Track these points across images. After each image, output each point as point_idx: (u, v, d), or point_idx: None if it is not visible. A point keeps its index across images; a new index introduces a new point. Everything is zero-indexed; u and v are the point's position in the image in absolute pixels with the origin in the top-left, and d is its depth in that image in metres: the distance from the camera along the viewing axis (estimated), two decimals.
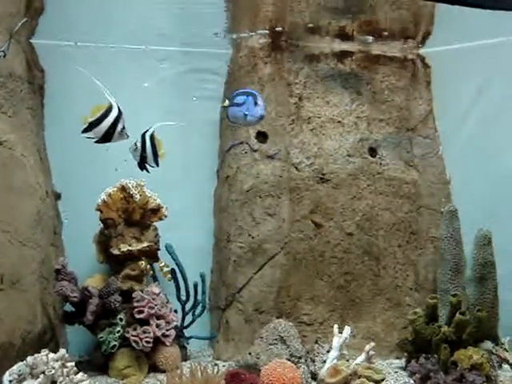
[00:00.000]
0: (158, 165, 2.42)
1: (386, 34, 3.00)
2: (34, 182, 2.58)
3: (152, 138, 2.39)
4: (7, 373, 1.99)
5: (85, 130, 2.21)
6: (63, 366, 2.03)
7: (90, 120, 2.21)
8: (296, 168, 3.00)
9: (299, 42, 3.03)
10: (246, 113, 2.38)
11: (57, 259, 2.67)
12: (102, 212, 2.82)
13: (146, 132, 2.39)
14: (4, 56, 2.26)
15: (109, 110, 2.21)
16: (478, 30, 2.97)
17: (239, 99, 2.41)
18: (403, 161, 3.11)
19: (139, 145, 2.37)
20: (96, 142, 2.26)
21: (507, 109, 3.11)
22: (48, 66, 2.97)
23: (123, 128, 2.22)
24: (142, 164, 2.41)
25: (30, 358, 2.01)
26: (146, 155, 2.38)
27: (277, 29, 2.98)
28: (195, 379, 2.19)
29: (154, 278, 2.93)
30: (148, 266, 2.83)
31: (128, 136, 2.32)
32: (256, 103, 2.37)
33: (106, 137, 2.23)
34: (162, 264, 2.89)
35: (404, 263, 3.07)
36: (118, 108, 2.20)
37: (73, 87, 2.99)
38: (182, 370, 2.27)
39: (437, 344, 2.63)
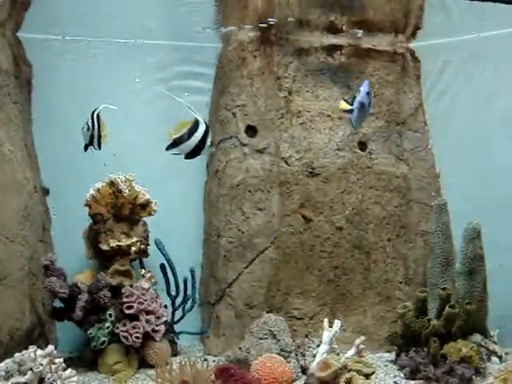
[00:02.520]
0: (99, 148, 2.39)
1: (375, 27, 3.00)
2: (21, 177, 2.56)
3: (98, 118, 2.36)
4: None
5: (170, 146, 2.23)
6: (51, 362, 2.01)
7: (175, 137, 2.21)
8: (286, 162, 2.99)
9: (289, 35, 3.01)
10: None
11: (45, 255, 2.65)
12: (90, 207, 2.81)
13: (94, 111, 2.36)
14: None
15: (195, 125, 2.22)
16: (466, 23, 2.98)
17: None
18: (393, 155, 3.12)
19: (90, 125, 2.34)
20: (184, 157, 2.30)
21: (496, 102, 3.12)
22: (35, 60, 2.94)
23: (212, 142, 2.26)
24: (88, 146, 2.39)
25: (17, 355, 1.98)
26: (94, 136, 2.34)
27: (266, 23, 2.96)
28: (184, 374, 2.18)
29: (141, 264, 2.93)
30: (150, 275, 2.84)
31: (213, 149, 2.37)
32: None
33: (194, 152, 2.24)
34: (143, 272, 2.87)
35: (394, 257, 3.07)
36: (205, 123, 2.23)
37: (61, 82, 2.98)
38: (172, 365, 2.27)
39: (426, 337, 2.64)
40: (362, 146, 3.08)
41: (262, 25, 2.93)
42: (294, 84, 3.03)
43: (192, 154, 2.26)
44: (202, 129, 2.23)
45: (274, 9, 2.93)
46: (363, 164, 3.05)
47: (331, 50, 3.06)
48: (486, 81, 3.14)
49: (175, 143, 2.24)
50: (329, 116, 3.05)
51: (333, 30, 3.01)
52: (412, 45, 3.18)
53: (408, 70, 3.17)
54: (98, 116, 2.34)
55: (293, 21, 2.95)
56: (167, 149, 2.25)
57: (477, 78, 3.16)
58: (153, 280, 2.86)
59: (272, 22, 2.92)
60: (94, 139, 2.34)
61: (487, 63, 3.13)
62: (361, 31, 3.01)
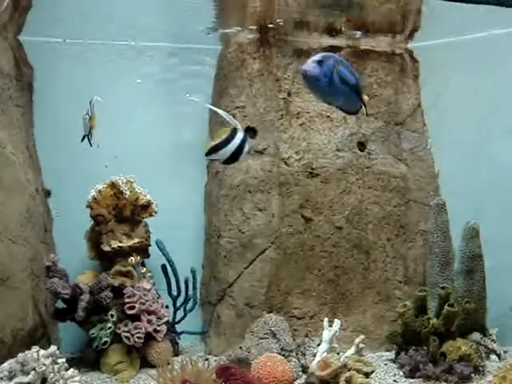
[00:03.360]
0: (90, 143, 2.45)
1: (374, 28, 3.02)
2: (23, 179, 2.58)
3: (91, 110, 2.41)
4: None
5: (209, 153, 2.28)
6: (54, 362, 2.03)
7: (214, 143, 2.26)
8: (285, 163, 3.01)
9: (288, 37, 3.03)
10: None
11: (47, 256, 2.67)
12: (92, 209, 2.83)
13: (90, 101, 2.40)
14: None
15: (233, 133, 2.28)
16: (466, 24, 2.99)
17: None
18: (392, 155, 3.14)
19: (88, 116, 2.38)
20: (222, 163, 2.36)
21: (495, 103, 3.13)
22: (37, 63, 2.96)
23: (250, 149, 2.32)
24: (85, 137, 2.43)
25: (20, 355, 2.01)
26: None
27: (265, 24, 2.98)
28: (186, 373, 2.20)
29: (143, 265, 2.94)
30: (138, 259, 2.83)
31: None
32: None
33: (233, 158, 2.30)
34: (144, 271, 2.89)
35: (393, 257, 3.09)
36: (243, 131, 2.29)
37: (62, 84, 3.00)
38: (173, 364, 2.29)
39: (426, 336, 2.66)
40: (361, 146, 3.10)
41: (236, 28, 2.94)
42: (293, 85, 3.05)
43: (229, 160, 2.31)
44: (239, 136, 2.28)
45: (272, 10, 2.94)
46: (362, 164, 3.07)
47: (330, 51, 3.06)
48: (487, 80, 3.16)
49: (214, 149, 2.28)
50: (328, 117, 3.07)
51: (331, 31, 3.03)
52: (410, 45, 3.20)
53: (406, 70, 3.19)
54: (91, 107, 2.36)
55: (292, 22, 2.97)
56: (206, 154, 2.30)
57: (477, 77, 3.18)
58: (148, 274, 2.86)
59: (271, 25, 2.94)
60: (90, 130, 2.37)
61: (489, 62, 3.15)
62: (359, 32, 3.04)
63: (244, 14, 2.96)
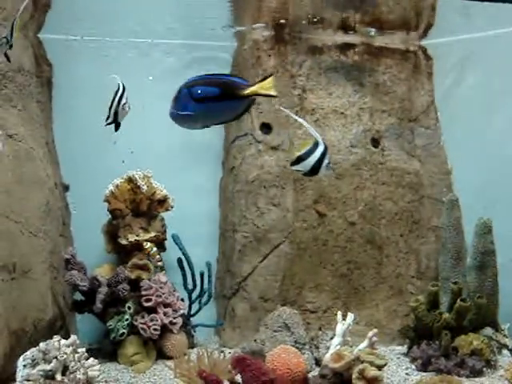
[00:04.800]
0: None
1: (388, 25, 3.03)
2: (43, 174, 2.63)
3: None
4: (21, 358, 2.04)
5: (293, 163, 2.31)
6: (74, 351, 2.08)
7: (298, 154, 2.29)
8: None
9: (302, 34, 3.06)
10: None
11: (66, 249, 2.72)
12: (109, 203, 2.88)
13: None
14: (10, 47, 2.30)
15: (315, 145, 2.28)
16: (481, 21, 3.00)
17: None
18: (405, 151, 3.15)
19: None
20: (304, 174, 2.36)
21: (507, 98, 3.14)
22: (56, 59, 3.01)
23: (329, 163, 2.31)
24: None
25: (42, 344, 2.06)
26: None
27: (280, 21, 3.01)
28: (202, 364, 2.24)
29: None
30: (154, 249, 2.86)
31: (333, 170, 2.44)
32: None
33: (313, 170, 2.31)
34: (148, 246, 2.89)
35: (406, 252, 3.11)
36: (324, 144, 2.29)
37: (80, 80, 3.05)
38: (190, 355, 2.33)
39: (438, 330, 2.68)
40: (375, 142, 3.12)
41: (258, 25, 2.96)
42: (308, 82, 3.08)
43: (310, 172, 2.33)
44: (320, 149, 2.28)
45: (287, 7, 2.97)
46: (376, 160, 3.10)
47: (344, 48, 3.11)
48: (499, 78, 3.17)
49: (297, 161, 2.30)
50: (342, 113, 3.09)
51: (346, 28, 3.05)
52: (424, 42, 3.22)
53: (420, 67, 3.21)
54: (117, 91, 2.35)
55: (306, 19, 3.00)
56: (291, 165, 2.32)
57: (490, 74, 3.19)
58: (157, 256, 2.88)
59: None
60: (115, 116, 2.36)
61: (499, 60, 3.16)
62: (373, 29, 3.06)
63: (259, 12, 2.99)
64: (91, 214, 2.97)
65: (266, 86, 2.10)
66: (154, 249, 2.88)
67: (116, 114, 2.32)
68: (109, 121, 2.33)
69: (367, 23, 3.03)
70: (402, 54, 3.17)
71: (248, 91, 2.07)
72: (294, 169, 2.33)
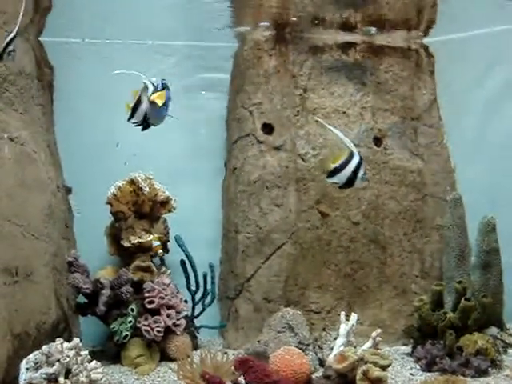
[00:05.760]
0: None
1: (389, 24, 3.02)
2: (45, 176, 2.63)
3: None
4: (24, 361, 2.04)
5: (329, 176, 2.30)
6: (77, 354, 2.08)
7: (334, 166, 2.29)
8: (302, 159, 3.03)
9: (303, 34, 3.06)
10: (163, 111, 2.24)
11: (69, 252, 2.73)
12: (112, 205, 2.88)
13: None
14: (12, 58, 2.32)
15: (350, 157, 2.29)
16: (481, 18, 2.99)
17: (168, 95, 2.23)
18: (408, 150, 3.14)
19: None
20: (340, 187, 2.36)
21: (510, 96, 3.12)
22: (57, 62, 3.01)
23: (364, 173, 2.31)
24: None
25: (45, 347, 2.05)
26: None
27: (281, 21, 3.00)
28: (205, 366, 2.24)
29: (162, 261, 2.99)
30: (158, 243, 2.86)
31: (367, 180, 2.46)
32: (170, 98, 2.25)
33: (349, 182, 2.31)
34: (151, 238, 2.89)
35: (410, 251, 3.10)
36: (359, 155, 2.29)
37: (81, 83, 3.05)
38: (193, 357, 2.33)
39: (442, 330, 2.67)
40: (378, 141, 3.11)
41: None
42: (310, 81, 3.07)
43: (346, 184, 2.32)
44: (355, 161, 2.28)
45: (288, 7, 2.97)
46: (379, 159, 3.08)
47: (345, 47, 3.10)
48: (503, 75, 3.15)
49: (334, 172, 2.30)
50: (344, 113, 3.08)
51: (347, 27, 3.04)
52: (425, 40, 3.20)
53: (422, 65, 3.19)
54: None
55: (307, 19, 2.99)
56: (328, 177, 2.31)
57: (494, 72, 3.17)
58: (159, 252, 2.88)
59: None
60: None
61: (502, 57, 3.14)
62: (374, 28, 3.05)
63: (260, 12, 2.99)
64: (94, 216, 2.97)
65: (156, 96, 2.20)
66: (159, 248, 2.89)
67: (145, 114, 2.28)
68: (133, 120, 2.30)
69: (368, 22, 3.02)
70: (404, 53, 3.16)
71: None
72: (330, 181, 2.32)
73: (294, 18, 2.99)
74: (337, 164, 2.29)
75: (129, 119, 2.27)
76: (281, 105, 3.03)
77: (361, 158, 2.29)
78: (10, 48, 2.12)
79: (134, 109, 2.27)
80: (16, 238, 2.35)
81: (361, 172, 2.30)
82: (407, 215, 3.10)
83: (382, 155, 3.09)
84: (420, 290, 3.05)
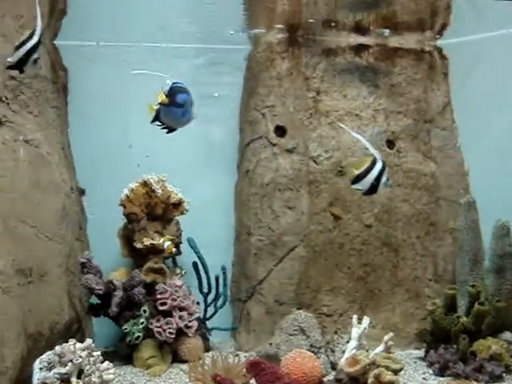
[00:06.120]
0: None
1: (402, 26, 3.02)
2: (59, 178, 2.65)
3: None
4: (37, 361, 2.06)
5: (353, 182, 2.31)
6: (90, 354, 2.09)
7: (357, 173, 2.30)
8: (314, 161, 3.03)
9: (316, 36, 3.06)
10: (184, 115, 2.25)
11: (82, 253, 2.74)
12: (125, 207, 2.89)
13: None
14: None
15: (373, 163, 2.29)
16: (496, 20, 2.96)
17: (181, 98, 2.23)
18: (421, 153, 3.12)
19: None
20: (363, 193, 2.37)
21: None
22: (71, 65, 3.04)
23: (388, 179, 2.31)
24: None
25: (58, 347, 2.07)
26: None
27: (293, 24, 3.00)
28: (217, 368, 2.24)
29: (174, 263, 3.00)
30: (169, 243, 2.86)
31: (391, 186, 2.43)
32: (192, 103, 2.26)
33: (372, 188, 2.31)
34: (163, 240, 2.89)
35: (423, 254, 3.08)
36: (383, 161, 2.29)
37: (95, 85, 3.07)
38: (204, 359, 2.33)
39: (456, 334, 2.65)
40: (390, 144, 3.10)
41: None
42: (322, 84, 3.07)
43: (369, 191, 2.32)
44: (378, 167, 2.28)
45: (301, 10, 2.97)
46: (391, 162, 3.06)
47: (359, 49, 3.09)
48: None
49: (357, 179, 2.30)
50: (357, 115, 3.08)
51: (360, 29, 3.04)
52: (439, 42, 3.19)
53: (435, 67, 3.18)
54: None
55: (320, 21, 2.99)
56: (352, 183, 2.32)
57: (507, 75, 3.15)
58: (173, 250, 2.87)
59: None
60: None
61: None
62: (387, 30, 3.04)
63: (273, 14, 2.99)
64: (107, 218, 2.99)
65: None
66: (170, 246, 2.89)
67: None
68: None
69: (382, 24, 3.01)
70: (417, 55, 3.14)
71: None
72: (355, 187, 2.31)
73: (309, 21, 2.98)
74: (360, 170, 2.28)
75: (152, 121, 2.28)
76: (293, 107, 3.03)
77: (384, 164, 2.28)
78: (35, 56, 2.13)
79: (159, 111, 2.27)
80: (30, 239, 2.37)
81: (384, 178, 2.28)
82: (420, 218, 3.08)
83: (395, 158, 3.08)
84: (433, 294, 3.03)
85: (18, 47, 2.09)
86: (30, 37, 2.10)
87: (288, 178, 2.99)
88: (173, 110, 2.24)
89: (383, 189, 2.34)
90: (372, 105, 3.09)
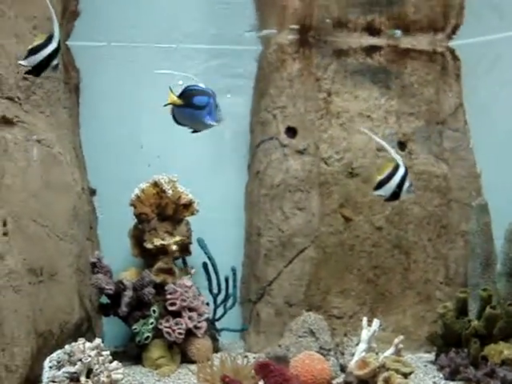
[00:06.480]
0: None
1: (414, 27, 2.99)
2: (70, 178, 2.66)
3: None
4: (47, 359, 2.08)
5: (376, 188, 2.30)
6: (99, 354, 2.10)
7: (380, 178, 2.28)
8: (325, 163, 3.02)
9: (327, 37, 3.04)
10: (207, 117, 2.26)
11: (92, 253, 2.76)
12: (135, 207, 2.90)
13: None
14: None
15: (395, 168, 2.27)
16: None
17: (199, 101, 2.25)
18: (433, 154, 3.09)
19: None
20: (385, 200, 2.36)
21: None
22: (83, 65, 3.06)
23: (410, 185, 2.28)
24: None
25: (68, 346, 2.08)
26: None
27: (305, 24, 2.99)
28: (225, 369, 2.24)
29: (184, 263, 3.00)
30: (175, 247, 2.87)
31: (414, 192, 2.40)
32: (217, 106, 2.26)
33: (394, 195, 2.29)
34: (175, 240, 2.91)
35: (434, 257, 3.05)
36: (405, 167, 2.27)
37: (106, 86, 3.09)
38: (213, 360, 2.33)
39: (467, 338, 2.61)
40: (402, 145, 3.08)
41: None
42: (334, 85, 3.06)
43: (391, 197, 2.29)
44: (400, 173, 2.25)
45: (312, 10, 2.96)
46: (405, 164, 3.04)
47: (370, 50, 3.07)
48: None
49: (379, 185, 2.28)
50: (368, 116, 3.06)
51: (371, 30, 3.02)
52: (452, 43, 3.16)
53: (448, 69, 3.15)
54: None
55: (331, 22, 2.98)
56: (374, 189, 2.30)
57: None
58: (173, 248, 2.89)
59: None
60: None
61: None
62: (399, 31, 3.02)
63: (284, 15, 2.99)
64: (118, 218, 3.00)
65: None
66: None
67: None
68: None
69: (393, 25, 2.99)
70: (429, 56, 3.11)
71: None
72: (377, 194, 2.28)
73: (318, 22, 2.97)
74: (382, 176, 2.26)
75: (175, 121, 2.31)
76: (304, 108, 3.03)
77: (406, 170, 2.25)
78: (55, 62, 2.12)
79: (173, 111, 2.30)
80: (41, 239, 2.38)
81: (406, 184, 2.25)
82: (432, 220, 3.05)
83: (407, 160, 3.04)
84: (444, 297, 3.00)
85: (33, 51, 2.06)
86: (48, 41, 2.08)
87: (298, 179, 2.99)
88: (188, 112, 2.26)
89: (405, 195, 2.30)
90: (383, 106, 3.07)
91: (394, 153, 2.30)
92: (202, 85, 2.29)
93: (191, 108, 2.25)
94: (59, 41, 2.10)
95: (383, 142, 2.40)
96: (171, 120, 3.05)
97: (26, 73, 2.13)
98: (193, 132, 2.34)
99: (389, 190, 2.26)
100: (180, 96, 2.26)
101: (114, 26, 2.99)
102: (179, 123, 2.31)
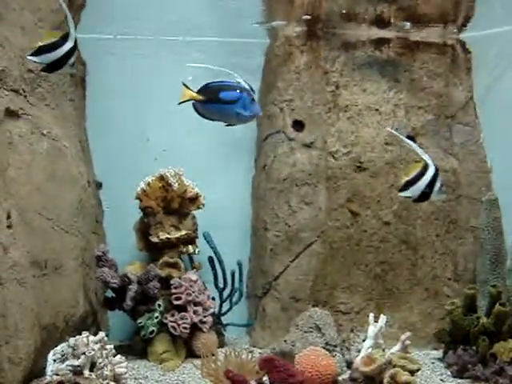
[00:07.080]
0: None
1: (424, 19, 2.95)
2: (75, 171, 2.65)
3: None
4: (52, 352, 2.08)
5: (401, 190, 2.26)
6: (102, 348, 2.09)
7: (407, 179, 2.25)
8: (333, 156, 2.99)
9: (335, 29, 3.01)
10: (241, 112, 2.22)
11: (98, 246, 2.75)
12: (141, 201, 2.89)
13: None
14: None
15: (424, 168, 2.24)
16: None
17: (227, 95, 2.23)
18: (442, 149, 3.06)
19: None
20: (414, 200, 2.31)
21: None
22: (89, 58, 3.04)
23: (442, 186, 2.24)
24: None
25: (71, 340, 2.07)
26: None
27: (313, 17, 2.96)
28: (230, 364, 2.22)
29: (191, 258, 2.99)
30: (197, 250, 2.89)
31: (445, 193, 2.35)
32: (253, 99, 2.23)
33: (424, 196, 2.25)
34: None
35: (443, 253, 3.02)
36: (435, 167, 2.23)
37: (113, 79, 3.08)
38: (218, 355, 2.31)
39: (475, 335, 2.58)
40: (411, 139, 3.02)
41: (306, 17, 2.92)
42: (342, 78, 3.03)
43: (421, 198, 2.25)
44: (430, 172, 2.21)
45: (320, 2, 2.93)
46: (411, 158, 3.00)
47: (379, 43, 3.04)
48: None
49: (406, 186, 2.24)
50: (376, 110, 3.03)
51: (380, 23, 2.98)
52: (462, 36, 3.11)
53: (458, 62, 3.10)
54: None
55: (339, 14, 2.94)
56: (400, 191, 2.26)
57: None
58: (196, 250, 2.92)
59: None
60: None
61: None
62: (409, 24, 2.97)
63: (292, 7, 2.95)
64: (123, 211, 2.99)
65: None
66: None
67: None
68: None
69: (403, 17, 2.94)
70: (439, 48, 3.07)
71: None
72: (403, 195, 2.23)
73: (326, 14, 2.94)
74: (410, 177, 2.21)
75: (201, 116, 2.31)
76: (312, 101, 2.99)
77: (437, 170, 2.20)
78: (72, 60, 2.12)
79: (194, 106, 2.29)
80: (46, 232, 2.37)
81: (437, 185, 2.20)
82: (440, 216, 3.02)
83: (415, 154, 3.01)
84: (452, 294, 2.96)
85: (47, 48, 2.06)
86: (64, 39, 2.08)
87: (306, 173, 2.96)
88: (215, 107, 2.25)
89: (437, 196, 2.24)
90: (392, 99, 3.03)
91: (422, 153, 2.25)
92: (240, 80, 2.26)
93: (219, 103, 2.23)
94: (76, 39, 2.11)
95: (410, 142, 2.34)
96: (177, 113, 3.05)
97: (42, 70, 2.14)
98: (227, 125, 2.32)
99: (417, 191, 2.21)
100: (201, 91, 2.24)
101: (120, 18, 2.97)
102: (208, 118, 2.29)
